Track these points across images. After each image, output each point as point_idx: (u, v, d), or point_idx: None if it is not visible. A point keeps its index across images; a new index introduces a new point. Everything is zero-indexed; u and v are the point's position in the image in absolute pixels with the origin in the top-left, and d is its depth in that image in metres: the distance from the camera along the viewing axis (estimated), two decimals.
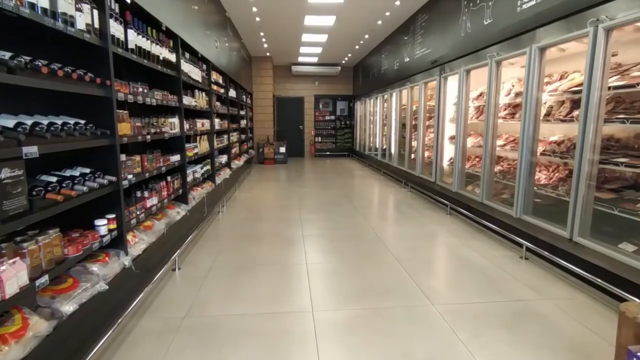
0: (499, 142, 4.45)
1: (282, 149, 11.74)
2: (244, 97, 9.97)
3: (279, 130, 13.49)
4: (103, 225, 2.36)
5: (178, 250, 3.38)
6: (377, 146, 10.08)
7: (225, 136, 6.96)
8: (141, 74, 3.34)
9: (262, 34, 8.81)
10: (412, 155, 7.35)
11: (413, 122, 7.25)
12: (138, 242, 2.81)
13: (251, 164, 10.87)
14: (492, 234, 4.31)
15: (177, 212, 3.82)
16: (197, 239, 4.24)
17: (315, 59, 12.11)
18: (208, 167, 5.44)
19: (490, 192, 4.44)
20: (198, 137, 4.96)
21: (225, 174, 6.57)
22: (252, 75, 11.72)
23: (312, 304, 2.71)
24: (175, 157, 3.87)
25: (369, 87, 11.05)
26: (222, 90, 6.64)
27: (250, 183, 8.19)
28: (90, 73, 2.21)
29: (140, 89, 2.98)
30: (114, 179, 2.41)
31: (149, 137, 3.09)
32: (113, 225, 2.48)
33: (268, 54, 11.28)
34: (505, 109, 4.46)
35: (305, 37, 9.16)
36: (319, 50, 10.66)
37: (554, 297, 2.85)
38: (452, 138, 5.69)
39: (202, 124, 5.11)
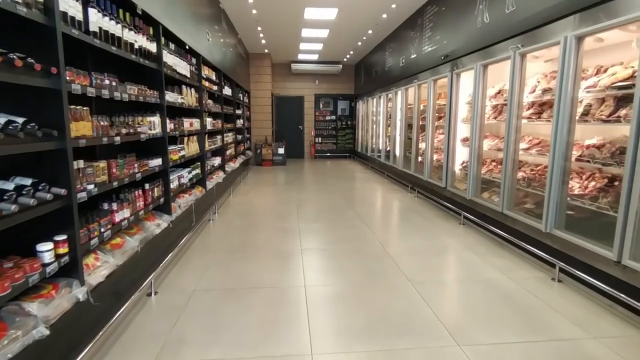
0: (522, 145, 3.96)
1: (281, 150, 11.25)
2: (241, 95, 9.49)
3: (278, 131, 13.00)
4: (47, 251, 1.87)
5: (154, 272, 2.89)
6: (380, 148, 9.59)
7: (219, 137, 6.47)
8: (115, 66, 2.85)
9: (259, 28, 8.32)
10: (420, 158, 6.86)
11: (420, 123, 6.76)
12: (101, 267, 2.32)
13: (248, 166, 10.38)
14: (515, 249, 3.82)
15: (157, 225, 3.33)
16: (182, 253, 3.75)
17: (315, 57, 11.62)
18: (198, 170, 4.95)
19: (511, 201, 3.95)
20: (186, 138, 4.47)
21: (219, 177, 6.08)
22: (249, 73, 11.23)
23: (312, 345, 2.21)
24: (156, 161, 3.38)
25: (371, 85, 10.57)
26: (215, 88, 6.15)
27: (247, 187, 7.70)
28: (30, 58, 1.72)
29: (107, 81, 2.49)
30: (63, 191, 1.92)
31: (118, 138, 2.60)
32: (64, 249, 1.98)
33: (266, 50, 10.79)
34: (529, 108, 3.97)
35: (305, 33, 8.67)
36: (319, 47, 10.18)
37: (603, 334, 2.36)
38: (465, 140, 5.20)
39: (191, 124, 4.62)
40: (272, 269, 3.38)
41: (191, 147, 4.71)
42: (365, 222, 4.97)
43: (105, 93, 2.44)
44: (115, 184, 2.58)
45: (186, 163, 4.53)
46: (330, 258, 3.69)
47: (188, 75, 4.50)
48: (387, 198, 6.72)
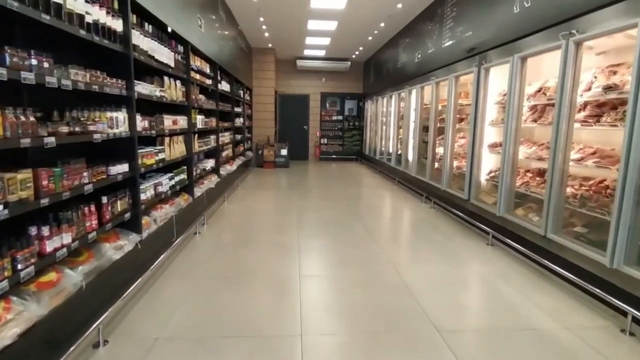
0: (574, 155, 3.24)
1: (284, 152, 10.57)
2: (241, 92, 8.83)
3: (282, 131, 12.33)
4: None
5: (104, 314, 2.21)
6: (391, 151, 8.87)
7: (213, 137, 5.80)
8: (71, 49, 2.19)
9: (261, 19, 7.65)
10: (437, 164, 6.14)
11: (438, 125, 6.05)
12: (11, 322, 1.65)
13: (248, 168, 9.73)
14: (563, 284, 3.10)
15: (119, 247, 2.65)
16: (153, 280, 3.07)
17: (322, 52, 10.93)
18: (183, 176, 4.28)
19: (558, 222, 3.23)
20: (167, 139, 3.80)
21: (211, 182, 5.42)
22: (252, 69, 10.57)
23: None
24: (119, 168, 2.71)
25: (382, 84, 9.85)
26: (208, 81, 5.48)
27: (244, 191, 7.03)
28: None
29: (34, 61, 1.82)
30: None
31: (52, 139, 1.92)
32: None
33: (270, 45, 10.12)
34: (581, 110, 3.25)
35: (312, 25, 7.98)
36: (326, 41, 9.49)
37: None
38: (493, 146, 4.48)
39: (175, 122, 3.96)
40: (262, 307, 2.70)
41: (175, 149, 4.04)
42: (375, 238, 4.27)
43: (29, 77, 1.77)
44: (45, 200, 1.90)
45: (168, 167, 3.86)
46: (334, 291, 3.00)
47: (172, 64, 3.84)
48: (398, 208, 6.01)
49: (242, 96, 8.87)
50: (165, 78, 3.75)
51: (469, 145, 4.81)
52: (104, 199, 2.53)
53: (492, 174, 4.51)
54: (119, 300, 2.41)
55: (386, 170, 9.10)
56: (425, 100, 6.74)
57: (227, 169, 6.70)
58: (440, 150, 6.16)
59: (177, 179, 4.08)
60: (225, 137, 6.87)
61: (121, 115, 2.72)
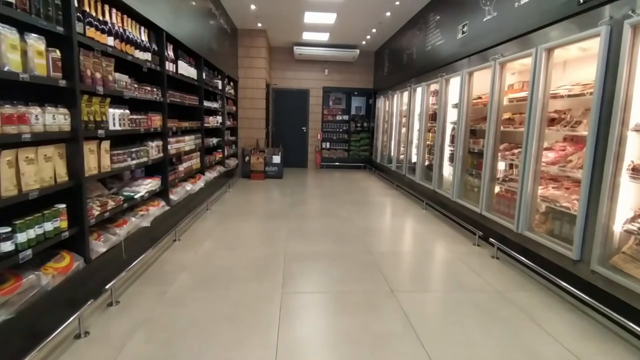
0: None
1: (276, 159, 8.48)
2: (219, 82, 6.75)
3: (275, 133, 10.26)
4: None
5: None
6: (414, 161, 6.78)
7: (155, 143, 3.72)
8: None
9: None
10: (499, 188, 4.05)
11: (502, 128, 3.97)
12: None
13: (232, 179, 7.65)
14: None
15: None
16: None
17: (325, 37, 8.84)
18: (55, 223, 2.20)
19: None
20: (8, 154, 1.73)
21: (146, 216, 3.35)
22: (237, 56, 8.49)
23: None
24: None
25: (401, 75, 7.77)
26: (142, 55, 3.41)
27: (213, 221, 4.94)
28: None
29: None
30: None
31: None
32: None
33: (260, 25, 8.03)
34: None
35: None
36: (331, 20, 7.40)
37: None
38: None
39: (22, 118, 1.89)
40: None
41: (28, 174, 1.97)
42: (413, 323, 2.19)
43: None
44: None
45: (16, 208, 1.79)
46: None
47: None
48: (447, 264, 3.91)
49: (220, 88, 6.79)
50: None
51: (586, 165, 2.71)
52: None
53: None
54: None
55: (406, 186, 7.00)
56: (477, 92, 4.65)
57: (186, 189, 4.62)
58: (501, 164, 4.11)
59: (30, 233, 2.00)
60: (186, 143, 4.79)
61: None
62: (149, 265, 3.27)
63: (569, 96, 3.11)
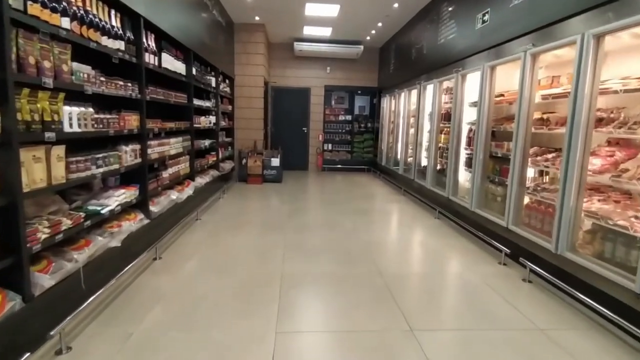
0: None
1: (275, 162, 7.95)
2: (213, 79, 6.22)
3: (274, 133, 9.74)
4: None
5: None
6: (424, 164, 6.25)
7: (129, 147, 3.19)
8: None
9: None
10: (528, 198, 3.52)
11: (532, 129, 3.43)
12: None
13: (227, 183, 7.11)
14: None
15: None
16: None
17: (328, 32, 8.31)
18: None
19: None
20: None
21: (109, 238, 2.83)
22: (233, 52, 7.96)
23: None
24: None
25: (408, 72, 7.24)
26: (113, 44, 2.88)
27: (202, 232, 4.42)
28: None
29: None
30: None
31: None
32: None
33: (258, 18, 7.50)
34: None
35: None
36: (334, 12, 6.87)
37: None
38: None
39: None
40: None
41: None
42: None
43: None
44: None
45: None
46: None
47: None
48: (472, 289, 3.36)
49: (213, 85, 6.27)
50: None
51: None
52: None
53: None
54: None
55: (415, 192, 6.46)
56: (499, 89, 4.12)
57: (171, 198, 4.09)
58: (530, 171, 3.58)
59: None
60: (172, 146, 4.26)
61: None
62: (118, 295, 2.73)
63: (625, 91, 2.57)
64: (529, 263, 3.20)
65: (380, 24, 7.55)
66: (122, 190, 3.10)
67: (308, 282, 3.08)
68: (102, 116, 2.74)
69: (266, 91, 8.81)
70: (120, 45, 2.98)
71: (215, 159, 6.43)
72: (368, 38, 8.72)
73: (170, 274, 3.15)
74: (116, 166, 2.95)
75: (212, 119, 6.22)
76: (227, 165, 7.30)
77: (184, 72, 4.68)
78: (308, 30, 8.26)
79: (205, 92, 5.91)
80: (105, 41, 2.76)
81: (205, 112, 5.91)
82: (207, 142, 5.94)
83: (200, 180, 5.36)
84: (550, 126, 3.25)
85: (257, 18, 7.48)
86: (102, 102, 2.85)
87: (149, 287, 2.90)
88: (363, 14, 6.90)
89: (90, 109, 2.58)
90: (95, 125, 2.65)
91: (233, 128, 8.11)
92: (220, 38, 6.77)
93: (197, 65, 5.34)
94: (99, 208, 2.73)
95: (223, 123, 7.14)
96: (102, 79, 2.74)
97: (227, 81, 7.54)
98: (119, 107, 3.07)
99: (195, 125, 5.17)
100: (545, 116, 3.42)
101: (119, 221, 3.03)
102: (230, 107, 7.83)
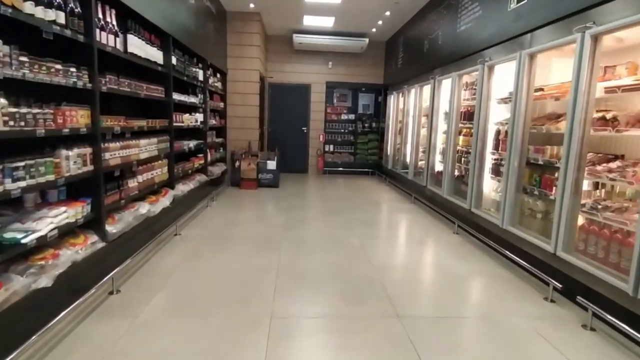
0: None
1: (271, 164, 7.22)
2: (200, 71, 5.49)
3: (272, 133, 9.01)
4: None
5: None
6: (439, 169, 5.52)
7: (72, 152, 2.46)
8: None
9: None
10: (582, 217, 2.78)
11: (593, 129, 2.70)
12: None
13: (218, 188, 6.37)
14: None
15: None
16: None
17: (330, 22, 7.57)
18: None
19: None
20: None
21: (33, 278, 2.11)
22: (225, 43, 7.23)
23: None
24: None
25: (419, 66, 6.51)
26: (48, 16, 2.15)
27: (180, 251, 3.69)
28: None
29: None
30: None
31: None
32: None
33: (252, 6, 6.76)
34: None
35: None
36: (337, 0, 6.14)
37: None
38: None
39: None
40: None
41: None
42: None
43: None
44: None
45: None
46: None
47: None
48: (519, 341, 2.63)
49: (201, 79, 5.54)
50: None
51: None
52: None
53: None
54: None
55: (428, 200, 5.73)
56: (537, 82, 3.38)
57: (140, 212, 3.35)
58: (585, 185, 2.85)
59: None
60: (142, 148, 3.52)
61: None
62: (46, 354, 2.00)
63: None
64: (591, 305, 2.46)
65: (387, 13, 6.80)
66: (63, 208, 2.37)
67: (303, 332, 2.35)
68: (25, 110, 2.01)
69: (262, 87, 8.09)
70: (57, 16, 2.25)
71: (202, 162, 5.70)
72: (374, 30, 7.98)
73: (125, 316, 2.42)
74: (50, 177, 2.22)
75: (199, 116, 5.48)
76: (218, 169, 6.56)
77: (160, 61, 3.95)
78: (308, 21, 7.52)
79: (190, 86, 5.18)
80: (30, 8, 2.03)
81: (190, 108, 5.17)
82: (192, 143, 5.20)
83: (183, 188, 4.63)
84: (619, 127, 2.52)
85: (251, 5, 6.73)
86: (33, 92, 2.12)
87: (90, 341, 2.16)
88: (368, 5, 6.16)
89: (2, 100, 1.85)
90: (12, 123, 1.92)
91: (225, 127, 7.37)
92: (210, 26, 6.04)
93: (180, 54, 4.61)
94: (19, 236, 2.00)
95: (213, 122, 6.41)
96: (24, 59, 2.01)
97: (218, 75, 6.81)
98: (58, 100, 2.34)
99: (176, 124, 4.45)
100: (610, 115, 2.68)
101: (56, 249, 2.30)
102: (222, 104, 7.09)
